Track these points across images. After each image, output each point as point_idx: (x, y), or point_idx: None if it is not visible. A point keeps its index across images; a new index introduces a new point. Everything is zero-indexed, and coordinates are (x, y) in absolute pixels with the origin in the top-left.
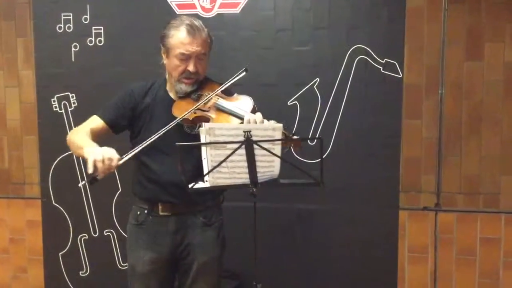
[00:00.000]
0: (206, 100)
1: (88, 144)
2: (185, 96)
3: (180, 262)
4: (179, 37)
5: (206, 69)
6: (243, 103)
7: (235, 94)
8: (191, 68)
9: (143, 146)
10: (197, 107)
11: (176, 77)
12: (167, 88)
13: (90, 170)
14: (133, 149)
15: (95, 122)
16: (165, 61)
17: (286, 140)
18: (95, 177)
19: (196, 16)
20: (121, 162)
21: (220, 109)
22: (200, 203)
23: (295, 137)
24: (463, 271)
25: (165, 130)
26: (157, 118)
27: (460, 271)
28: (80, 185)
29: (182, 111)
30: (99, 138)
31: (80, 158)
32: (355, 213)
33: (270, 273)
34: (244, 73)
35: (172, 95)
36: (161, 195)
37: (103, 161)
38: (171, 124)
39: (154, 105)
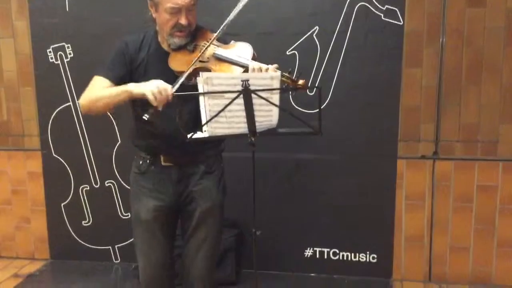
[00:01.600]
0: (204, 51)
1: (127, 85)
2: (180, 48)
3: (183, 209)
4: None
5: (196, 19)
6: (242, 51)
7: (232, 41)
8: (183, 21)
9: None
10: (197, 59)
11: (168, 31)
12: (159, 40)
13: (155, 103)
14: (180, 78)
15: (103, 83)
16: (154, 15)
17: (284, 90)
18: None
19: None
20: (174, 89)
21: (220, 59)
22: (202, 152)
23: (301, 81)
24: (459, 218)
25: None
26: (153, 72)
27: (456, 218)
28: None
29: (179, 63)
30: None
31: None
32: (353, 162)
33: (269, 221)
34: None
35: (165, 47)
36: (163, 147)
37: (160, 92)
38: (179, 80)
39: (148, 58)
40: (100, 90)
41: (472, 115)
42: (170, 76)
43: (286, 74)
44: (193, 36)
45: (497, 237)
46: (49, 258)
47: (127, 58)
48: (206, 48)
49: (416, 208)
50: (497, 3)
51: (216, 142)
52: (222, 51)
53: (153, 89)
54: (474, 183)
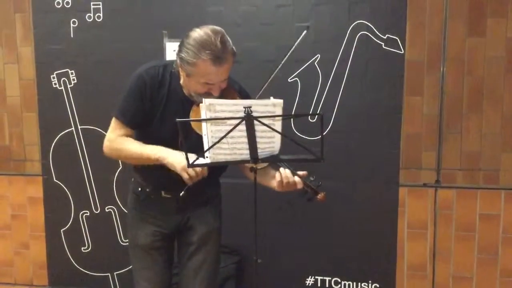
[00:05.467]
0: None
1: (160, 153)
2: None
3: (180, 235)
4: (203, 68)
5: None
6: None
7: None
8: (215, 93)
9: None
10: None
11: (196, 93)
12: (181, 82)
13: (190, 182)
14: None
15: (122, 129)
16: (181, 74)
17: (287, 117)
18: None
19: None
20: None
21: None
22: (203, 192)
23: (320, 195)
24: (462, 247)
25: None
26: (171, 115)
27: (459, 247)
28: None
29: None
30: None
31: (80, 141)
32: (355, 190)
33: (270, 248)
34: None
35: (186, 91)
36: (167, 185)
37: (195, 171)
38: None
39: (168, 99)
40: (127, 145)
41: (474, 143)
42: (190, 126)
43: (309, 184)
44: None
45: (500, 267)
46: (47, 284)
47: (146, 98)
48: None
49: (418, 236)
50: (497, 33)
51: (218, 181)
52: None
53: (190, 175)
54: (476, 212)
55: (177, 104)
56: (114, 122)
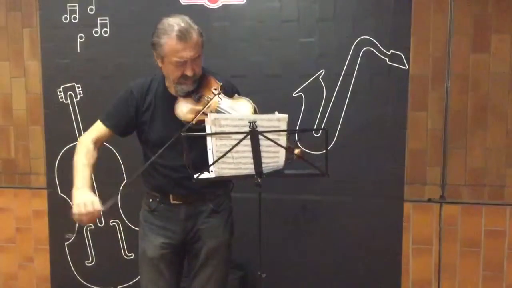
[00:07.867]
0: (208, 104)
1: (79, 184)
2: (186, 95)
3: (189, 247)
4: (171, 45)
5: (201, 66)
6: (242, 108)
7: (236, 95)
8: (188, 72)
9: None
10: (201, 112)
11: (174, 80)
12: (167, 84)
13: (78, 222)
14: (113, 198)
15: (99, 129)
16: (159, 65)
17: (291, 132)
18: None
19: (198, 9)
20: (103, 209)
21: (222, 113)
22: (211, 191)
23: (296, 150)
24: (467, 263)
25: (169, 144)
26: (160, 116)
27: (464, 263)
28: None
29: (184, 112)
30: (107, 142)
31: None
32: (359, 205)
33: (275, 263)
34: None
35: (172, 91)
36: (172, 188)
37: (86, 214)
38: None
39: (156, 102)
40: (78, 157)
41: (479, 159)
42: (176, 121)
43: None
44: (199, 83)
45: (505, 283)
46: None
47: (131, 104)
48: (209, 104)
49: (423, 252)
50: (502, 49)
51: (225, 182)
52: (225, 106)
53: (78, 210)
54: (482, 228)
55: (164, 104)
56: (95, 124)
